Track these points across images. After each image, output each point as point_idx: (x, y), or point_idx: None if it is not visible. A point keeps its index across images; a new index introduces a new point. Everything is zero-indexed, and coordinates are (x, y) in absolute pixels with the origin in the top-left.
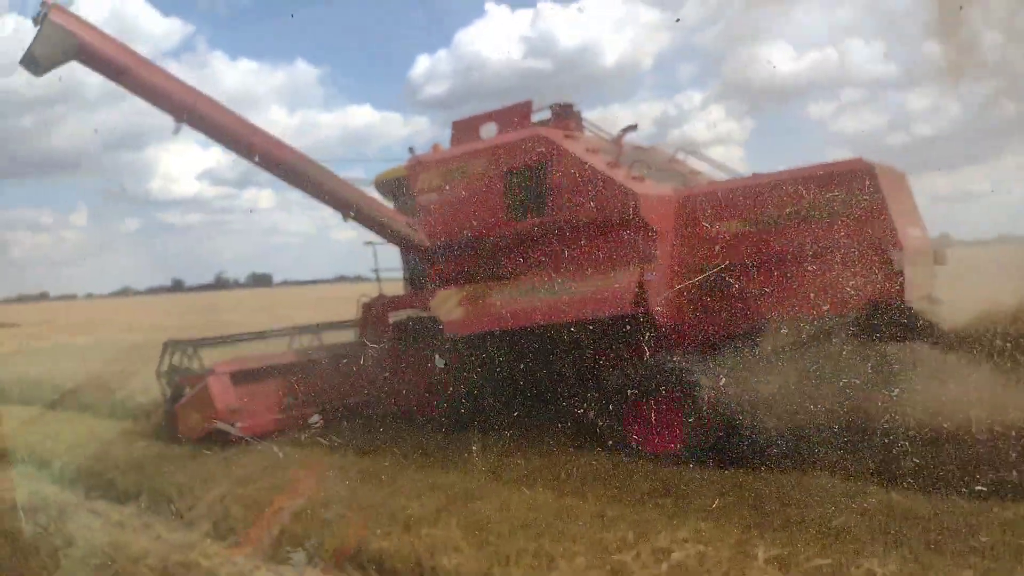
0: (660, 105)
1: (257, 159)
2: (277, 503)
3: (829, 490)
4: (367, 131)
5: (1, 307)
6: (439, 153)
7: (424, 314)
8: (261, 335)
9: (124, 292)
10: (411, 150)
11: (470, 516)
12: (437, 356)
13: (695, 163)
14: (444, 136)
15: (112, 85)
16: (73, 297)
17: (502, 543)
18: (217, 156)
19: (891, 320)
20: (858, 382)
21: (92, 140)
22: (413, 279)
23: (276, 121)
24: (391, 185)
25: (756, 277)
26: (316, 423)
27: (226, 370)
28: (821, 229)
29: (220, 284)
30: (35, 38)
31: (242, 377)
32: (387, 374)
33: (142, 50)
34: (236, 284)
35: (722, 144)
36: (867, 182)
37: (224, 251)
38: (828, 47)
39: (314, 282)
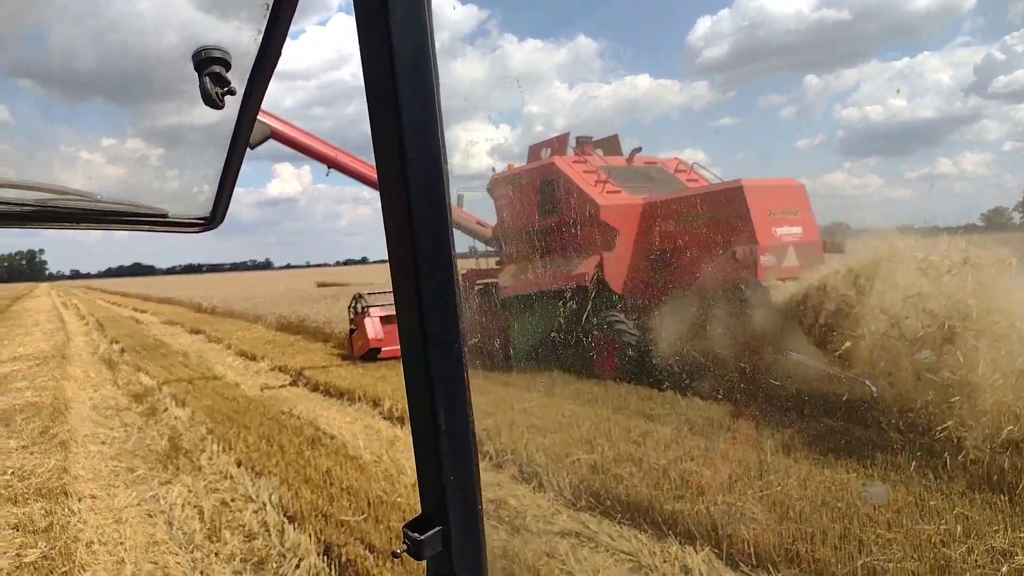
0: (982, 50)
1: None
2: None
3: None
4: (644, 100)
5: (332, 270)
6: (509, 171)
7: (492, 281)
8: (328, 286)
9: None
10: (511, 165)
11: (766, 488)
12: (498, 310)
13: (701, 172)
14: (716, 103)
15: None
16: (384, 261)
17: (804, 520)
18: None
19: (747, 293)
20: (719, 331)
21: None
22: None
23: (556, 96)
24: (491, 189)
25: (677, 261)
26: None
27: (377, 314)
28: (714, 230)
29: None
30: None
31: (387, 319)
32: (475, 319)
33: (443, 35)
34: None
35: None
36: (738, 197)
37: None
38: None
39: (362, 261)
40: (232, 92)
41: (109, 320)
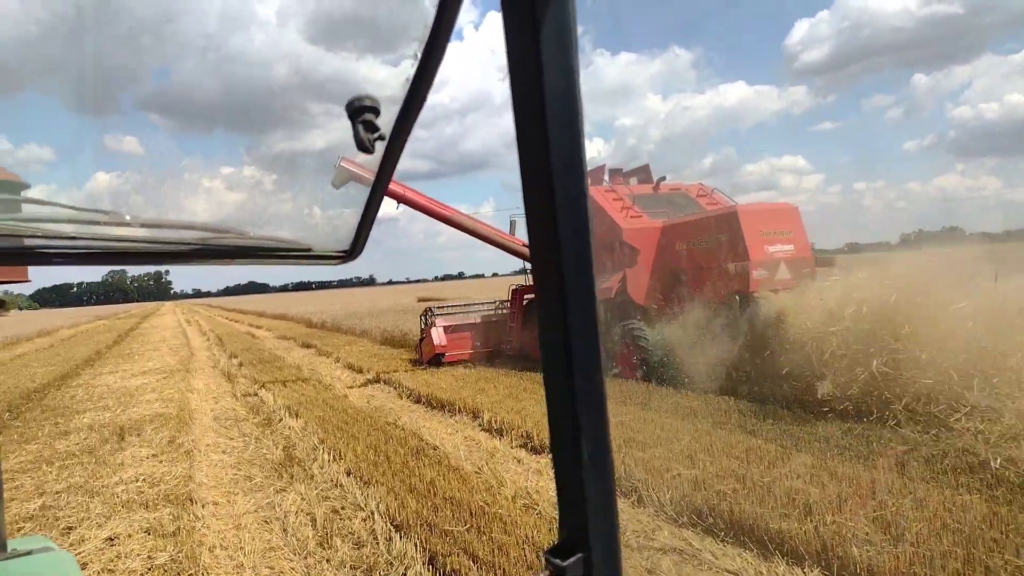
0: None
1: (440, 218)
2: (673, 468)
3: None
4: (740, 108)
5: (430, 285)
6: None
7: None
8: (467, 305)
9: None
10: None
11: (878, 509)
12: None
13: (719, 196)
14: (816, 107)
15: None
16: (481, 276)
17: (922, 543)
18: (598, 147)
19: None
20: (726, 337)
21: (497, 141)
22: None
23: (650, 108)
24: None
25: (687, 275)
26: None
27: (441, 324)
28: (717, 248)
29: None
30: (336, 174)
31: (451, 329)
32: (521, 329)
33: None
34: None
35: None
36: (733, 220)
37: None
38: None
39: (495, 275)
40: (382, 138)
41: (228, 335)
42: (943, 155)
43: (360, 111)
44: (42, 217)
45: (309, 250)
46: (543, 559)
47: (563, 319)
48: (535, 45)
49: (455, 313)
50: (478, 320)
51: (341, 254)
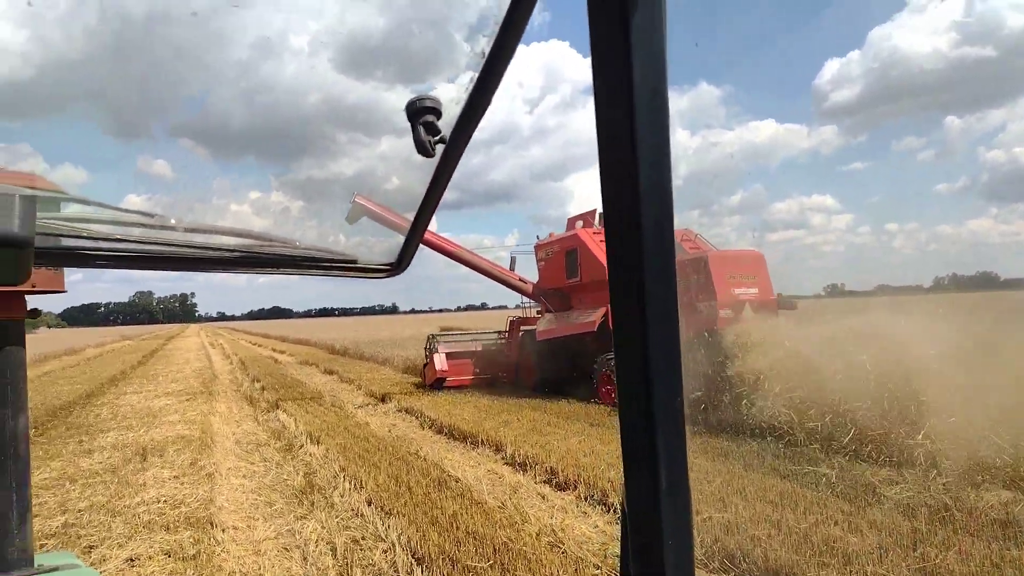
0: None
1: (442, 252)
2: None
3: None
4: (769, 145)
5: (453, 315)
6: (549, 239)
7: (533, 328)
8: (466, 332)
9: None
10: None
11: (919, 561)
12: (534, 349)
13: (702, 242)
14: (846, 147)
15: (542, 125)
16: (504, 307)
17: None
18: None
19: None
20: (691, 365)
21: (524, 173)
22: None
23: (678, 143)
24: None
25: None
26: None
27: (444, 351)
28: (691, 289)
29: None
30: (351, 210)
31: (453, 355)
32: (518, 358)
33: (565, 88)
34: None
35: None
36: (704, 265)
37: None
38: None
39: (518, 307)
40: (443, 141)
41: (251, 359)
42: (975, 199)
43: (421, 112)
44: (86, 218)
45: (355, 262)
46: None
47: (643, 339)
48: (624, 42)
49: (457, 341)
50: (479, 348)
51: (387, 267)
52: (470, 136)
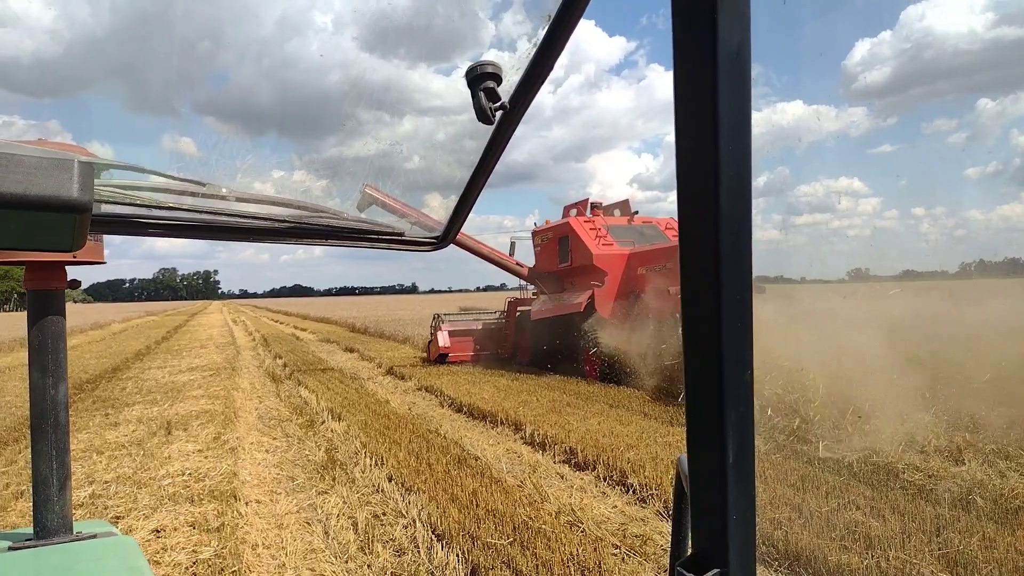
0: None
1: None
2: None
3: None
4: (797, 127)
5: (472, 294)
6: (545, 226)
7: (528, 308)
8: (469, 311)
9: None
10: (536, 223)
11: (945, 547)
12: (529, 328)
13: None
14: (875, 129)
15: (565, 105)
16: (522, 287)
17: None
18: (647, 163)
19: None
20: (664, 347)
21: (545, 154)
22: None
23: None
24: (533, 238)
25: (645, 296)
26: None
27: (447, 328)
28: (667, 274)
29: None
30: (360, 199)
31: (455, 333)
32: (514, 336)
33: (589, 68)
34: None
35: None
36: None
37: None
38: None
39: (501, 287)
40: (504, 108)
41: (273, 337)
42: (1007, 184)
43: (481, 78)
44: (140, 186)
45: (402, 234)
46: (676, 573)
47: (716, 309)
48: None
49: (460, 319)
50: (479, 327)
51: (433, 240)
52: (529, 104)
